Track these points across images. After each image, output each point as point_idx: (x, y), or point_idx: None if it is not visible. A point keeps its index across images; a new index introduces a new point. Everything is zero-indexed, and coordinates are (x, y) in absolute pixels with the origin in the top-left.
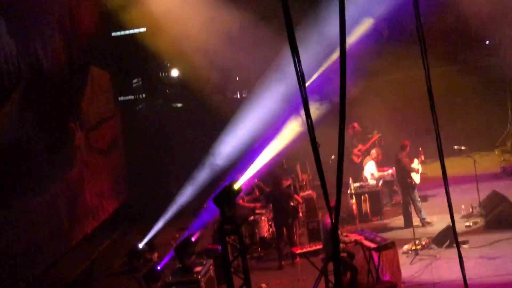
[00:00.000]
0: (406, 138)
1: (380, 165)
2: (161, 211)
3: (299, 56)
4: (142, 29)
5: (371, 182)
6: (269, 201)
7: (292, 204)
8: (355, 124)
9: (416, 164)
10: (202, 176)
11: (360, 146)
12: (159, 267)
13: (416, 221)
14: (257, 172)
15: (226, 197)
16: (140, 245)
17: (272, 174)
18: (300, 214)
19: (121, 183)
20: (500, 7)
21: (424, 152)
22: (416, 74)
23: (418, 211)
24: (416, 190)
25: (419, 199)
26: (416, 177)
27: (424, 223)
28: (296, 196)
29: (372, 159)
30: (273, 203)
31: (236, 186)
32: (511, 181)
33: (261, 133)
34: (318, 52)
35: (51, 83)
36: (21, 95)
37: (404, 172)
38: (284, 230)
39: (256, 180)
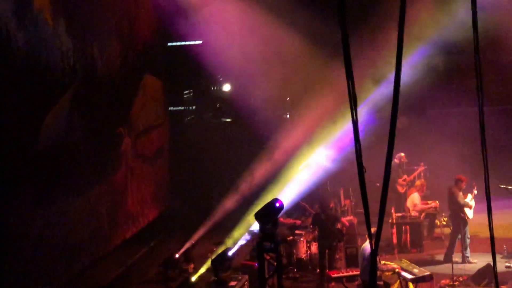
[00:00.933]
0: (457, 173)
1: (424, 197)
2: (200, 223)
3: (353, 80)
4: (198, 41)
5: (413, 213)
6: (316, 223)
7: (338, 227)
8: (402, 154)
9: (469, 199)
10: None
11: (404, 177)
12: (193, 279)
13: (456, 256)
14: (301, 192)
15: (268, 213)
16: (177, 255)
17: (320, 196)
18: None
19: (163, 192)
20: None
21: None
22: (469, 110)
23: (464, 248)
24: (467, 227)
25: (469, 236)
26: (469, 212)
27: (466, 261)
28: (343, 219)
29: (417, 190)
30: (320, 225)
31: (278, 204)
32: None
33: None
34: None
35: (104, 86)
36: (74, 95)
37: (457, 207)
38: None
39: (301, 201)
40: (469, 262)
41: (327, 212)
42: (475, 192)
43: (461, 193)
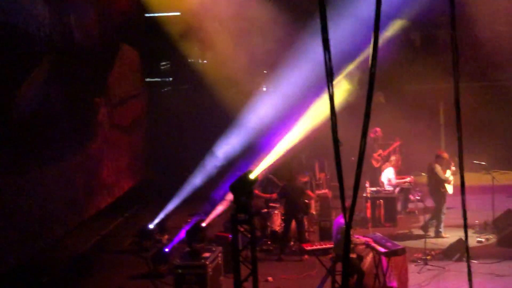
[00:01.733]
0: (432, 148)
1: (399, 172)
2: (175, 194)
3: (330, 52)
4: (176, 13)
5: (388, 188)
6: (283, 195)
7: (305, 200)
8: (378, 129)
9: (448, 175)
10: (211, 164)
11: (380, 151)
12: (167, 249)
13: (429, 231)
14: (272, 165)
15: (243, 185)
16: (151, 226)
17: (288, 169)
18: (313, 211)
19: (138, 163)
20: None
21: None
22: (445, 86)
23: (439, 223)
24: (445, 203)
25: (444, 212)
26: (449, 188)
27: (439, 236)
28: (309, 192)
29: (392, 165)
30: (285, 197)
31: (253, 176)
32: None
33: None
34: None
35: (81, 56)
36: (51, 64)
37: (437, 182)
38: (294, 225)
39: (269, 174)
40: (442, 237)
41: (293, 184)
42: (453, 168)
43: (440, 168)
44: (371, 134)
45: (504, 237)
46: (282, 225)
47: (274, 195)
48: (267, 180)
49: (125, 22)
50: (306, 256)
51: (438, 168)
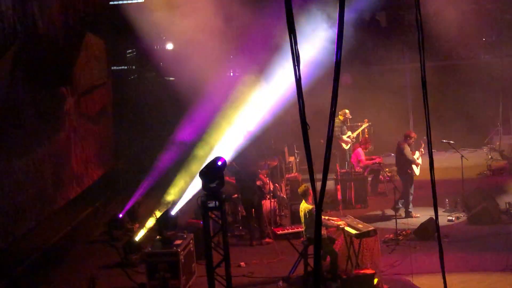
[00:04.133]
0: (400, 128)
1: (368, 153)
2: (144, 183)
3: (295, 35)
4: (140, 0)
5: (358, 169)
6: (237, 180)
7: (258, 183)
8: (346, 111)
9: (417, 156)
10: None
11: (349, 133)
12: (137, 238)
13: (399, 211)
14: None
15: (212, 171)
16: (121, 215)
17: (244, 154)
18: (284, 195)
19: (107, 152)
20: (498, 5)
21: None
22: (411, 66)
23: (407, 204)
24: (412, 184)
25: (412, 192)
26: (416, 170)
27: (409, 216)
28: (261, 176)
29: (361, 146)
30: (239, 182)
31: (221, 162)
32: (496, 178)
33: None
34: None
35: (46, 46)
36: (15, 55)
37: (405, 162)
38: (265, 209)
39: (233, 162)
40: (412, 217)
41: (247, 169)
42: (423, 150)
43: (409, 149)
44: (339, 116)
45: (474, 215)
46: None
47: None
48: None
49: (90, 10)
50: (268, 239)
51: (407, 148)
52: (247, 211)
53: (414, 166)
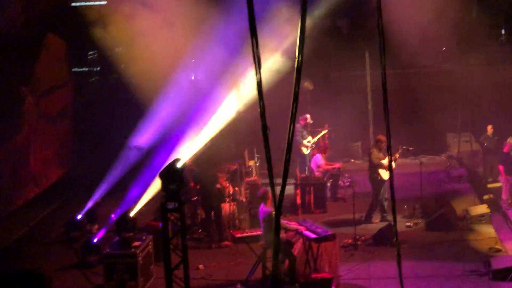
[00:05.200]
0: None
1: (328, 158)
2: (103, 184)
3: (257, 38)
4: (103, 2)
5: (317, 174)
6: (196, 183)
7: (217, 186)
8: (308, 116)
9: (386, 160)
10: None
11: (309, 138)
12: (95, 240)
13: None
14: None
15: (171, 173)
16: (79, 216)
17: (207, 157)
18: (243, 199)
19: (66, 153)
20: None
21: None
22: (372, 73)
23: (383, 209)
24: (384, 188)
25: (386, 197)
26: (384, 174)
27: (384, 219)
28: (221, 180)
29: (320, 152)
30: (199, 185)
31: (180, 164)
32: (454, 185)
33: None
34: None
35: (5, 45)
36: None
37: (372, 167)
38: (225, 212)
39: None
40: (371, 222)
41: (206, 172)
42: (397, 156)
43: (380, 154)
44: (300, 121)
45: (432, 222)
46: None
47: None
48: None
49: (51, 11)
50: (226, 243)
51: (374, 153)
52: (207, 214)
53: (382, 171)
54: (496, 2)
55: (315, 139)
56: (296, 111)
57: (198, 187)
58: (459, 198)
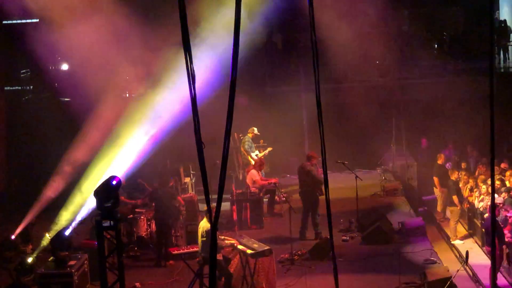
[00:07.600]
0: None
1: (265, 174)
2: (37, 204)
3: (191, 54)
4: (35, 20)
5: (253, 190)
6: (153, 200)
7: (176, 205)
8: (255, 128)
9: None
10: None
11: (257, 152)
12: (30, 259)
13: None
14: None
15: (106, 190)
16: (13, 236)
17: (159, 172)
18: (180, 216)
19: (0, 172)
20: (390, 30)
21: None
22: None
23: (316, 225)
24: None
25: (319, 213)
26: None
27: (318, 236)
28: (179, 197)
29: (255, 167)
30: (156, 202)
31: (115, 181)
32: (389, 199)
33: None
34: None
35: None
36: None
37: (313, 183)
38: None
39: (139, 179)
40: (306, 239)
41: (164, 189)
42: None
43: (316, 170)
44: (248, 134)
45: (368, 235)
46: (149, 230)
47: (139, 201)
48: (136, 184)
49: None
50: (171, 262)
51: (313, 170)
52: (159, 230)
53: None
54: (429, 17)
55: (261, 154)
56: (230, 126)
57: (135, 201)
58: (394, 211)
